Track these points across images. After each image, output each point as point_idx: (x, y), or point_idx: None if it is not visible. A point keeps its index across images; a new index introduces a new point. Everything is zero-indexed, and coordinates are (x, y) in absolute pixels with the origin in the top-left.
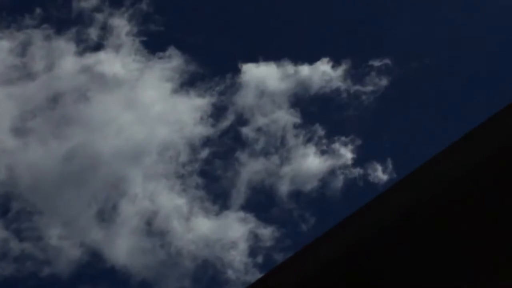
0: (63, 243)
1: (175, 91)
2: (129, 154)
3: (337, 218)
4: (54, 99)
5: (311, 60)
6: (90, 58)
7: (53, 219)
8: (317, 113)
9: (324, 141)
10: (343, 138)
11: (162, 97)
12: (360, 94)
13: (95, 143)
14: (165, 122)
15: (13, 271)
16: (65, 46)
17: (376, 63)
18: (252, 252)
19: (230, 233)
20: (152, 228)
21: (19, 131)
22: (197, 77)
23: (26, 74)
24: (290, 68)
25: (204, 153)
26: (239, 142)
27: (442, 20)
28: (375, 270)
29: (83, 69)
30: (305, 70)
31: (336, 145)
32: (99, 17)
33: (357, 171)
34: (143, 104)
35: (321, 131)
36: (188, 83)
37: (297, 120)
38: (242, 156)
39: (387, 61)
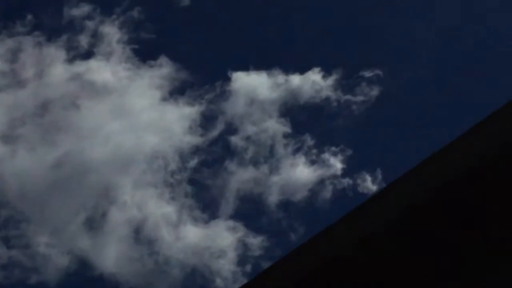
0: (51, 251)
1: (165, 99)
2: (118, 162)
3: None
4: (44, 107)
5: (302, 69)
6: (80, 66)
7: (41, 227)
8: (307, 122)
9: (314, 150)
10: (333, 148)
11: (151, 105)
12: (350, 104)
13: (84, 151)
14: (155, 130)
15: (0, 278)
16: (55, 53)
17: (368, 74)
18: (241, 261)
19: (219, 242)
20: (140, 236)
21: (7, 138)
22: (187, 85)
23: (15, 81)
24: (280, 77)
25: (194, 161)
26: (229, 151)
27: (435, 31)
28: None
29: (73, 77)
30: (296, 79)
31: (326, 155)
32: (90, 24)
33: (346, 181)
34: (132, 112)
35: (311, 141)
36: (178, 92)
37: (287, 129)
38: (232, 165)
39: (378, 71)
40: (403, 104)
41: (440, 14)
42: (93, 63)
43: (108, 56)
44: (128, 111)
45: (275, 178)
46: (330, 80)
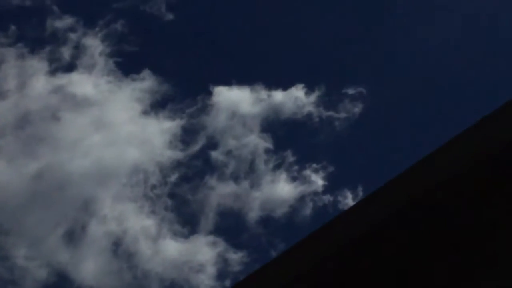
0: (29, 263)
1: (146, 112)
2: (98, 175)
3: None
4: (24, 119)
5: (286, 85)
6: (62, 78)
7: (20, 239)
8: (289, 138)
9: (295, 167)
10: (314, 165)
11: (133, 119)
12: (333, 120)
13: (64, 164)
14: (136, 144)
15: None
16: (38, 65)
17: (351, 91)
18: (221, 276)
19: (198, 256)
20: (120, 250)
21: None
22: (169, 99)
23: None
24: (263, 92)
25: (174, 176)
26: (209, 165)
27: (418, 49)
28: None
29: (55, 89)
30: (278, 95)
31: (307, 172)
32: (73, 36)
33: (327, 198)
34: (114, 125)
35: (292, 157)
36: (160, 105)
37: (269, 145)
38: (212, 180)
39: (361, 89)
40: (386, 121)
41: (425, 31)
42: (75, 76)
43: (90, 68)
44: (109, 124)
45: (255, 194)
46: (313, 97)
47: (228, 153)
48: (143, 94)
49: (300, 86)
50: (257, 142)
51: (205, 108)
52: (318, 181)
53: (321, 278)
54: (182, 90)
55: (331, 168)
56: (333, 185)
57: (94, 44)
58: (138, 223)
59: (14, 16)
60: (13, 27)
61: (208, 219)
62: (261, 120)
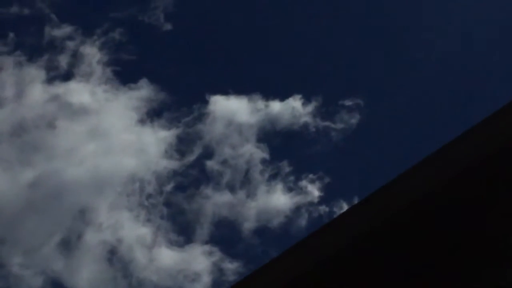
0: (25, 272)
1: (143, 121)
2: (94, 183)
3: None
4: (21, 127)
5: (283, 96)
6: (60, 86)
7: (15, 247)
8: (286, 148)
9: (292, 177)
10: (310, 175)
11: (129, 128)
12: (329, 131)
13: (60, 172)
14: (132, 152)
15: None
16: (35, 73)
17: (348, 103)
18: (215, 285)
19: (194, 265)
20: (115, 258)
21: None
22: (166, 108)
23: None
24: (260, 102)
25: (170, 185)
26: (205, 175)
27: (416, 61)
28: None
29: (52, 98)
30: (276, 105)
31: (303, 182)
32: (71, 45)
33: (323, 208)
34: (110, 134)
35: (288, 167)
36: (157, 114)
37: (265, 155)
38: (208, 190)
39: (358, 101)
40: (382, 132)
41: (421, 44)
42: (72, 84)
43: (88, 77)
44: (106, 133)
45: (251, 204)
46: (310, 107)
47: (225, 162)
48: (140, 102)
49: (298, 96)
50: (254, 152)
51: (202, 118)
52: (314, 191)
53: (318, 279)
54: (179, 99)
55: (327, 179)
56: (329, 196)
57: (92, 53)
58: (134, 231)
59: (12, 24)
60: (11, 35)
61: (204, 229)
62: (257, 130)
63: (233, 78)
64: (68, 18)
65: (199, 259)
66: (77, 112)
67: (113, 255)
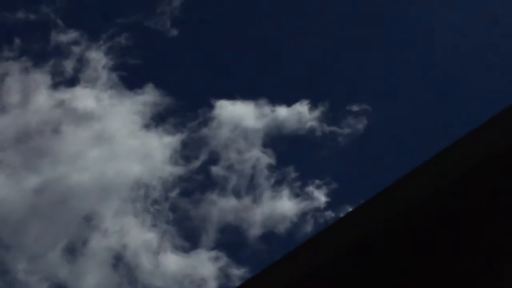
0: (30, 278)
1: (148, 127)
2: (100, 189)
3: None
4: (26, 132)
5: (290, 101)
6: (65, 92)
7: (21, 253)
8: (292, 154)
9: (298, 183)
10: (317, 181)
11: (135, 133)
12: (336, 136)
13: (66, 177)
14: (137, 158)
15: None
16: (41, 78)
17: (355, 108)
18: None
19: (200, 271)
20: (120, 264)
21: None
22: (173, 114)
23: (0, 107)
24: (267, 108)
25: (176, 190)
26: (211, 180)
27: (424, 66)
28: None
29: (58, 103)
30: (282, 111)
31: (310, 188)
32: (77, 50)
33: (329, 214)
34: (116, 139)
35: (295, 173)
36: (163, 119)
37: (271, 160)
38: (214, 195)
39: (366, 106)
40: (390, 137)
41: (431, 50)
42: (78, 89)
43: (93, 82)
44: (111, 138)
45: (258, 210)
46: (317, 113)
47: (231, 168)
48: (145, 108)
49: (305, 102)
50: (260, 157)
51: (208, 123)
52: (320, 197)
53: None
54: (186, 104)
55: (334, 184)
56: (335, 202)
57: (97, 58)
58: (139, 237)
59: (18, 29)
60: (17, 41)
61: (210, 234)
62: (264, 135)
63: (240, 83)
64: (74, 24)
65: (205, 264)
66: (82, 117)
67: (119, 261)
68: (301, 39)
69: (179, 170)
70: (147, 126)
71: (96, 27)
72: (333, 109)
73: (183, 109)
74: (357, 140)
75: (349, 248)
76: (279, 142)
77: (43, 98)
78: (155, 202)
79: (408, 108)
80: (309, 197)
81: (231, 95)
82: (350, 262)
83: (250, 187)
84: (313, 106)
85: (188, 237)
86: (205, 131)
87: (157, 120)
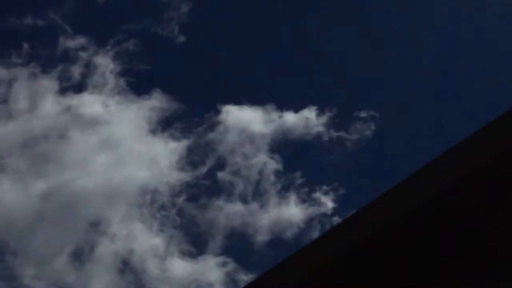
0: (36, 283)
1: (156, 132)
2: (107, 194)
3: None
4: (34, 138)
5: (298, 107)
6: (73, 97)
7: (27, 259)
8: (299, 159)
9: (305, 188)
10: (324, 187)
11: (142, 138)
12: (343, 142)
13: (73, 183)
14: (145, 163)
15: None
16: (49, 84)
17: (363, 114)
18: None
19: (207, 276)
20: (127, 269)
21: None
22: (179, 119)
23: (8, 112)
24: (274, 113)
25: (183, 196)
26: (218, 186)
27: (431, 73)
28: None
29: (65, 109)
30: (290, 116)
31: (317, 193)
32: (84, 56)
33: (336, 220)
34: (123, 144)
35: (302, 178)
36: (170, 125)
37: (278, 166)
38: (221, 201)
39: (373, 113)
40: (397, 143)
41: (438, 56)
42: (85, 94)
43: (101, 87)
44: (119, 144)
45: (265, 215)
46: (325, 118)
47: (238, 173)
48: (152, 113)
49: (313, 108)
50: (267, 162)
51: (216, 128)
52: (327, 203)
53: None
54: (193, 110)
55: (341, 190)
56: (343, 207)
57: (105, 63)
58: (146, 242)
59: (27, 35)
60: (26, 46)
61: (217, 240)
62: (271, 140)
63: (248, 89)
64: (82, 30)
65: (212, 270)
66: (89, 122)
67: (126, 266)
68: (310, 46)
69: (186, 175)
70: (155, 132)
71: (103, 33)
72: (341, 115)
73: (190, 114)
74: (364, 146)
75: (351, 250)
76: (286, 147)
77: (51, 104)
78: (162, 207)
79: (415, 114)
80: (316, 202)
81: (239, 101)
82: (352, 264)
83: (257, 193)
84: (321, 112)
85: (195, 242)
86: (212, 136)
87: (164, 125)
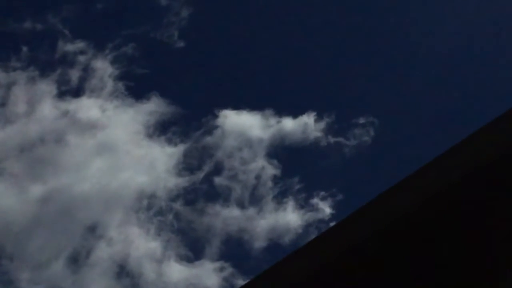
0: None
1: (153, 136)
2: (104, 198)
3: None
4: (31, 142)
5: (297, 113)
6: (71, 101)
7: (24, 263)
8: (297, 165)
9: (303, 194)
10: (322, 193)
11: (140, 143)
12: (342, 147)
13: (70, 187)
14: (142, 167)
15: None
16: (47, 88)
17: (362, 120)
18: None
19: (204, 281)
20: (124, 273)
21: None
22: (177, 123)
23: (6, 116)
24: (272, 119)
25: (180, 200)
26: (216, 191)
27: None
28: None
29: (63, 113)
30: (289, 122)
31: (315, 199)
32: (83, 60)
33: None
34: (120, 149)
35: (300, 184)
36: (167, 129)
37: (276, 171)
38: (218, 206)
39: (372, 119)
40: (396, 149)
41: (437, 62)
42: (84, 99)
43: (99, 91)
44: (116, 148)
45: (263, 221)
46: (323, 124)
47: (235, 178)
48: (150, 117)
49: (312, 113)
50: (265, 167)
51: (213, 132)
52: (325, 208)
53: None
54: (191, 114)
55: (339, 196)
56: (340, 213)
57: (104, 67)
58: (143, 247)
59: (26, 39)
60: (25, 50)
61: (214, 245)
62: (269, 145)
63: (247, 94)
64: (81, 34)
65: (209, 274)
66: (87, 126)
67: (122, 271)
68: (309, 51)
69: (183, 180)
70: (152, 136)
71: (102, 37)
72: (339, 121)
73: (188, 119)
74: (363, 152)
75: (347, 252)
76: (284, 152)
77: (49, 108)
78: (159, 212)
79: (414, 121)
80: (314, 208)
81: (237, 106)
82: (348, 267)
83: (254, 198)
84: (319, 117)
85: (192, 247)
86: (210, 141)
87: (162, 129)
